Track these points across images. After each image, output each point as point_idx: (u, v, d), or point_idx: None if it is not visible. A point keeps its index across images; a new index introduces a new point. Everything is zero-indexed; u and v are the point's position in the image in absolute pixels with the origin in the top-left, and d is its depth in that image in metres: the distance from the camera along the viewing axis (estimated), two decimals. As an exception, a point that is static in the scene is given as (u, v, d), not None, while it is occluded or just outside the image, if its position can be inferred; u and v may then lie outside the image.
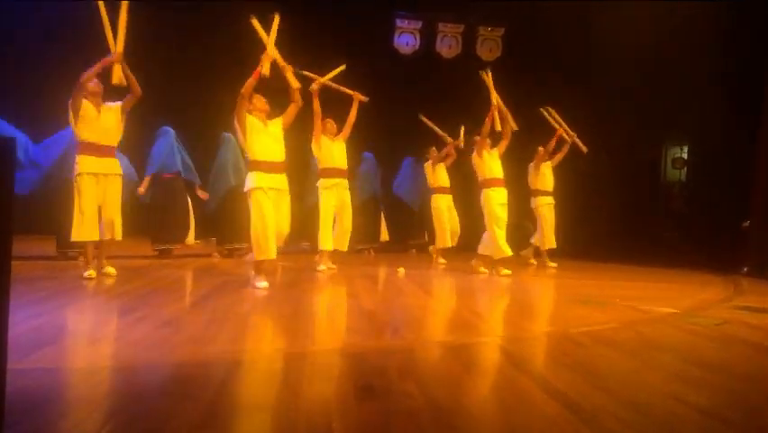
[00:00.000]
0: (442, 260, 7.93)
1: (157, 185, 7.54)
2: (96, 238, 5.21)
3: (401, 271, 6.52)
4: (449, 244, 8.02)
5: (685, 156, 10.82)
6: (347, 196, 6.57)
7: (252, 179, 4.82)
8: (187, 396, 2.05)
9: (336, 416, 1.94)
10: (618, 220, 8.40)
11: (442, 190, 8.11)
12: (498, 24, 11.35)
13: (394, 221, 9.65)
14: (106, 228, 5.24)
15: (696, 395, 2.21)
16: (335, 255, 6.59)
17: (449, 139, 8.04)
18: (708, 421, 1.93)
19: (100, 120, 5.18)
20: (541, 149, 7.81)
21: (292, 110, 5.07)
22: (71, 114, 5.07)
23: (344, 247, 6.60)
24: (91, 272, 5.17)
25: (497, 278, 6.33)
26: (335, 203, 6.46)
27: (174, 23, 9.71)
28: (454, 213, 8.15)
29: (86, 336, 3.20)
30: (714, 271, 7.38)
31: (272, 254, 4.75)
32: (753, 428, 2.00)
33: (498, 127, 6.50)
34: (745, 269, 7.28)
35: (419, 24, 11.29)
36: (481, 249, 6.59)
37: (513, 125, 6.67)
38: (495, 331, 3.63)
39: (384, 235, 9.25)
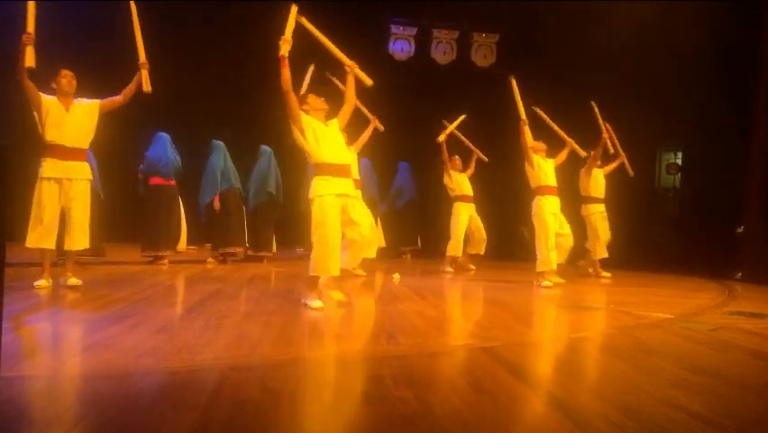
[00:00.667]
0: (449, 268, 7.79)
1: (149, 191, 7.52)
2: (52, 246, 4.81)
3: (396, 276, 6.51)
4: (459, 253, 7.91)
5: (679, 162, 10.88)
6: (362, 206, 6.51)
7: (318, 186, 4.26)
8: (180, 403, 2.04)
9: (332, 423, 1.93)
10: (613, 226, 8.43)
11: (464, 199, 7.95)
12: (493, 31, 11.41)
13: (388, 227, 9.65)
14: (71, 237, 4.84)
15: (690, 400, 2.21)
16: (365, 262, 6.47)
17: (441, 135, 7.90)
18: (702, 426, 1.93)
19: (69, 120, 4.79)
20: (593, 153, 7.55)
21: (346, 110, 4.57)
22: (35, 114, 4.72)
23: (373, 254, 6.53)
24: (44, 282, 4.77)
25: (499, 284, 6.33)
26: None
27: (167, 26, 9.72)
28: (479, 222, 8.00)
29: (79, 343, 3.18)
30: (708, 276, 7.42)
31: (334, 271, 4.23)
32: (747, 433, 2.00)
33: (531, 143, 6.51)
34: (740, 274, 7.33)
35: (414, 31, 11.34)
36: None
37: (580, 152, 6.81)
38: (491, 337, 3.62)
39: (380, 241, 9.24)
